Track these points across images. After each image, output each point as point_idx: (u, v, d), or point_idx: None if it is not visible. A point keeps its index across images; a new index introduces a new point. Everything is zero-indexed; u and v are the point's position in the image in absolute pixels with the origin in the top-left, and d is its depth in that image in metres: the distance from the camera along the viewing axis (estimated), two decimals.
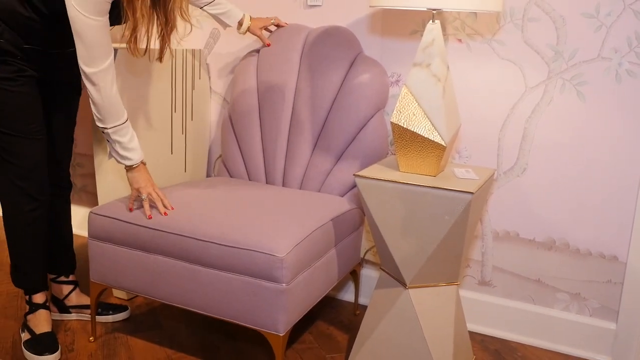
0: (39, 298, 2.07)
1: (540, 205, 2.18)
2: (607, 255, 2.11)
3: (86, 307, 2.25)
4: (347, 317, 2.40)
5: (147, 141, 2.39)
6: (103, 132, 1.89)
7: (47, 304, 2.10)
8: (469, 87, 2.23)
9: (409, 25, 2.28)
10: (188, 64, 2.54)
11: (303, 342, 2.19)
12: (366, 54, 2.35)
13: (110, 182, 2.27)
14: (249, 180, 2.43)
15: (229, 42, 2.64)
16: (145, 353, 2.06)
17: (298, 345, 2.17)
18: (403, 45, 2.31)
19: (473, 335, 2.29)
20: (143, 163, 1.96)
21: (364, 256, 2.49)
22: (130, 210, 1.95)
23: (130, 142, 1.91)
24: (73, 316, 2.26)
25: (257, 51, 2.47)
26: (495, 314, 2.29)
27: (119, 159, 1.93)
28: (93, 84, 1.79)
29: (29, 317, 2.05)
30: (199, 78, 2.62)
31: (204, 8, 2.28)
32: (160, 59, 2.01)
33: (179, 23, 1.94)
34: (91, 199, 3.14)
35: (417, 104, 1.81)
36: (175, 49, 2.47)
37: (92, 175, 3.10)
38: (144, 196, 1.93)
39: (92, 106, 1.84)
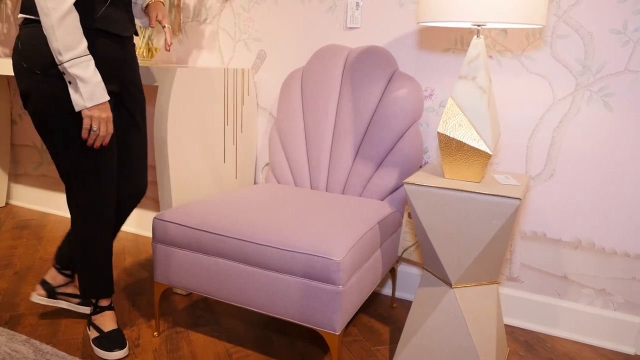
0: (105, 301, 1.83)
1: (567, 208, 1.94)
2: (632, 254, 1.87)
3: (75, 296, 1.96)
4: (386, 310, 2.16)
5: (203, 151, 2.17)
6: (63, 72, 1.48)
7: (112, 305, 1.86)
8: (499, 99, 1.99)
9: (442, 43, 2.05)
10: (238, 82, 2.32)
11: (349, 334, 1.96)
12: (402, 71, 2.11)
13: (171, 190, 2.04)
14: (295, 186, 2.20)
15: (274, 62, 2.42)
16: (206, 347, 1.83)
17: (345, 338, 1.93)
18: (436, 62, 2.07)
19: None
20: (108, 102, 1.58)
21: (402, 255, 2.25)
22: (85, 139, 1.58)
23: (95, 76, 1.50)
24: (58, 303, 1.94)
25: (302, 69, 2.25)
26: (523, 307, 2.05)
27: (83, 100, 1.49)
28: (41, 6, 1.40)
29: (95, 317, 1.81)
30: (248, 94, 2.40)
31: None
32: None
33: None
34: (150, 203, 2.92)
35: (463, 114, 1.57)
36: (226, 68, 2.24)
37: (150, 182, 2.88)
38: (95, 128, 1.55)
39: (47, 37, 1.45)
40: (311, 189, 2.17)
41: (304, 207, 1.82)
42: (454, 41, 2.02)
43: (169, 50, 1.70)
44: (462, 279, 1.63)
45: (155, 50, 2.39)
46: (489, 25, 1.58)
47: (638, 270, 1.87)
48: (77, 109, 1.51)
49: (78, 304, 1.96)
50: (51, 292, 1.94)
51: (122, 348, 1.74)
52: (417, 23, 1.62)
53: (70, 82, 1.49)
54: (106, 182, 1.69)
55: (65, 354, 1.73)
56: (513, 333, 2.01)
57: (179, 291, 2.23)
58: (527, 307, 2.04)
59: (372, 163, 2.04)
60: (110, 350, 1.73)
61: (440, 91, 2.09)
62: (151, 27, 1.80)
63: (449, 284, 1.65)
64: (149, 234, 2.92)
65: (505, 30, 1.94)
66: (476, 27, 1.58)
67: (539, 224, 2.00)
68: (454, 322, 1.64)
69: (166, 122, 1.97)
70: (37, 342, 1.78)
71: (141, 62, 2.36)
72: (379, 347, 1.88)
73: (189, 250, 1.73)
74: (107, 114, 1.56)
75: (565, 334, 1.99)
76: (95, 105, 1.52)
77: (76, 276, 2.03)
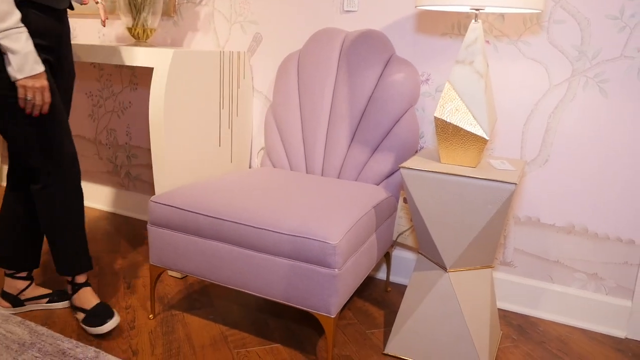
0: (82, 277, 1.81)
1: (561, 194, 1.95)
2: (624, 239, 1.89)
3: (42, 297, 1.91)
4: (380, 294, 2.18)
5: (198, 134, 2.15)
6: None
7: (88, 281, 1.83)
8: (495, 84, 1.99)
9: (439, 28, 2.04)
10: (234, 65, 2.30)
11: (344, 318, 1.97)
12: (399, 55, 2.10)
13: (166, 173, 2.04)
14: (291, 170, 2.20)
15: (271, 45, 2.40)
16: (201, 330, 1.84)
17: (340, 321, 1.94)
18: (433, 47, 2.07)
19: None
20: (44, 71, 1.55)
21: (396, 239, 2.26)
22: (23, 107, 1.55)
23: (26, 47, 1.46)
24: (27, 308, 1.89)
25: (298, 53, 2.23)
26: (516, 291, 2.07)
27: (14, 72, 1.46)
28: None
29: (75, 298, 1.80)
30: (244, 78, 2.38)
31: None
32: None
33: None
34: (144, 186, 2.91)
35: (460, 99, 1.57)
36: (222, 51, 2.23)
37: (145, 166, 2.87)
38: (29, 97, 1.52)
39: None
40: (307, 173, 2.17)
41: (300, 191, 1.82)
42: (451, 26, 2.01)
43: (104, 26, 1.69)
44: (456, 263, 1.64)
45: (150, 31, 2.36)
46: (487, 10, 1.57)
47: (630, 254, 1.89)
48: (11, 79, 1.50)
49: (48, 302, 1.91)
50: (16, 301, 1.87)
51: (112, 317, 1.74)
52: (415, 6, 1.61)
53: (5, 53, 1.47)
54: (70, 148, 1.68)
55: (60, 335, 1.73)
56: (506, 317, 2.03)
57: (174, 274, 2.23)
58: (520, 291, 2.06)
59: (368, 147, 2.04)
60: (102, 324, 1.73)
61: (436, 76, 2.08)
62: (84, 3, 1.76)
63: (444, 268, 1.66)
64: (144, 217, 2.92)
65: (502, 15, 1.93)
66: (474, 11, 1.57)
67: (533, 209, 2.01)
68: (448, 305, 1.65)
69: (162, 104, 1.96)
70: (32, 324, 1.78)
71: (136, 43, 2.33)
72: (373, 330, 1.89)
73: (185, 233, 1.73)
74: (41, 83, 1.53)
75: (557, 317, 2.01)
76: (29, 76, 1.50)
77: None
